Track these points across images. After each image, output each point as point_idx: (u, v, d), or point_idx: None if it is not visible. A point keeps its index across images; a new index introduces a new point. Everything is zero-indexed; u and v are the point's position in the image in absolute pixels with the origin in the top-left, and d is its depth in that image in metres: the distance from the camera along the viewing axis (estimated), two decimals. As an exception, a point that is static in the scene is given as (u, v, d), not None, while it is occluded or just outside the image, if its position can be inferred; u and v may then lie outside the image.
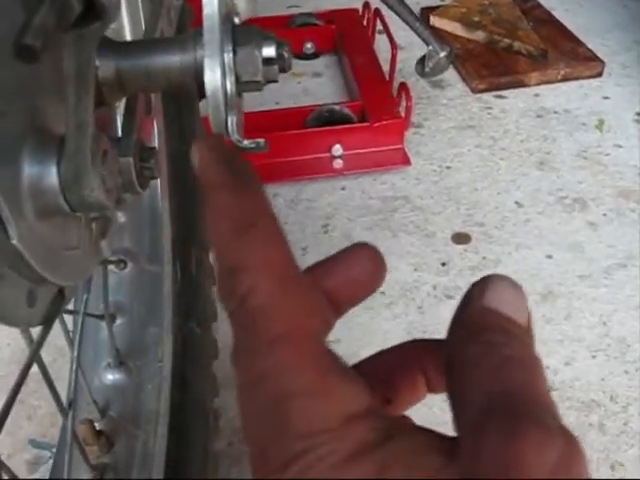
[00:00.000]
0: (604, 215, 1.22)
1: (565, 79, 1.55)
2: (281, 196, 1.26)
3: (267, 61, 0.40)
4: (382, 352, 0.31)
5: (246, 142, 0.39)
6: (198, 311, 0.82)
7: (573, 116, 1.45)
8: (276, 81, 0.41)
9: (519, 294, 0.26)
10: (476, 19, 1.68)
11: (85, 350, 0.66)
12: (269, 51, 0.39)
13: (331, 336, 0.87)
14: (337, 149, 1.28)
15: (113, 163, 0.38)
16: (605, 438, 0.89)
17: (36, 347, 0.41)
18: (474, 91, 1.51)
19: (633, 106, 1.48)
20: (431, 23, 1.70)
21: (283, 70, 0.41)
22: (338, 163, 1.29)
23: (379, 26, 1.53)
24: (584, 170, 1.31)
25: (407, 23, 1.25)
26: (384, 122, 1.29)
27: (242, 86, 0.40)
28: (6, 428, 0.91)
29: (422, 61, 1.28)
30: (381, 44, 1.56)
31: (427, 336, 0.97)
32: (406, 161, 1.30)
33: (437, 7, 1.77)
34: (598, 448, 0.88)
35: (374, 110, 1.31)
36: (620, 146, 1.37)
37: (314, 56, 1.63)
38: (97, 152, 0.34)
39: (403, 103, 1.32)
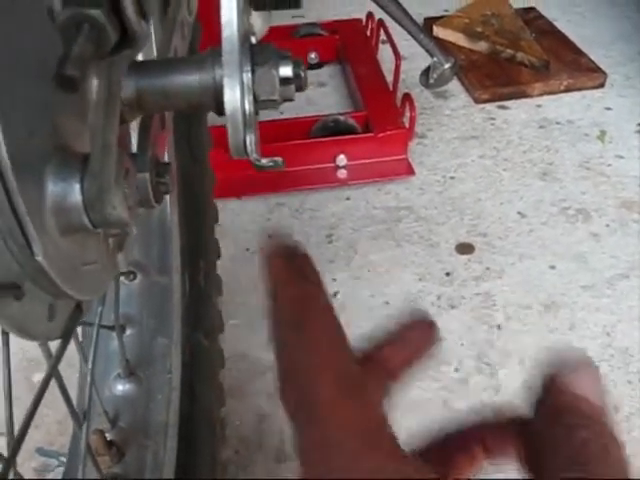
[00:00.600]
0: (607, 226, 1.23)
1: (568, 90, 1.56)
2: (286, 205, 1.27)
3: (284, 80, 0.40)
4: (442, 437, 0.32)
5: (264, 160, 0.40)
6: (206, 322, 0.82)
7: (575, 127, 1.46)
8: (292, 99, 0.42)
9: (595, 373, 0.27)
10: (479, 30, 1.69)
11: (96, 361, 0.67)
12: (286, 70, 0.40)
13: None
14: (341, 159, 1.29)
15: (133, 180, 0.38)
16: (609, 449, 0.90)
17: (55, 361, 0.42)
18: (477, 101, 1.52)
19: (635, 117, 1.49)
20: (434, 34, 1.71)
21: (299, 89, 0.42)
22: (342, 173, 1.30)
23: (382, 36, 1.55)
24: (587, 181, 1.32)
25: (411, 34, 1.26)
26: (388, 132, 1.30)
27: (259, 105, 0.41)
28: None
29: (426, 72, 1.29)
30: (384, 54, 1.58)
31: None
32: (410, 171, 1.31)
33: (440, 17, 1.78)
34: (602, 459, 0.89)
35: (378, 120, 1.32)
36: (622, 157, 1.38)
37: (318, 66, 1.64)
38: (120, 171, 0.34)
39: (407, 113, 1.33)
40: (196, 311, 0.80)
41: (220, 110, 0.40)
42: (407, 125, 1.32)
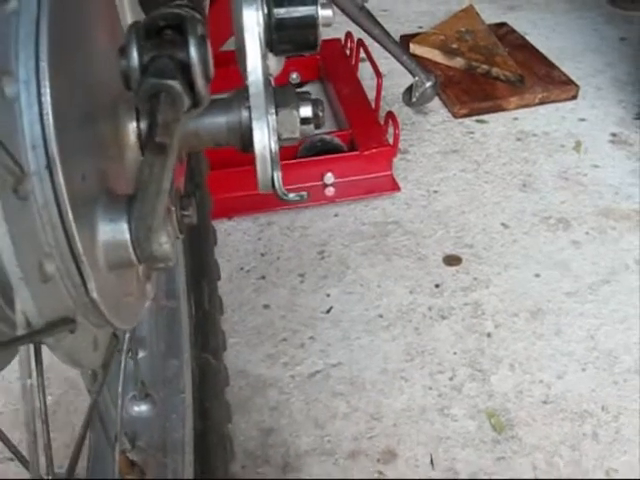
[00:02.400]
0: (586, 233, 1.28)
1: (542, 102, 1.61)
2: (276, 224, 1.30)
3: (304, 120, 0.44)
4: None
5: (291, 195, 0.43)
6: (212, 342, 0.85)
7: (552, 138, 1.52)
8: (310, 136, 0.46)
9: None
10: (454, 46, 1.74)
11: (112, 384, 0.69)
12: (306, 111, 0.44)
13: (333, 359, 0.92)
14: (329, 177, 1.33)
15: (172, 217, 0.42)
16: (599, 446, 0.94)
17: (99, 388, 0.45)
18: (456, 116, 1.57)
19: (608, 127, 1.55)
20: (411, 51, 1.75)
21: (317, 127, 0.45)
22: (330, 191, 1.34)
23: (361, 54, 1.59)
24: (565, 190, 1.37)
25: (394, 56, 1.30)
26: (373, 150, 1.34)
27: (281, 142, 0.44)
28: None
29: (409, 91, 1.34)
30: (363, 71, 1.62)
31: (425, 356, 1.02)
32: (395, 187, 1.35)
33: (416, 34, 1.83)
34: (593, 456, 0.93)
35: (363, 139, 1.36)
36: (597, 166, 1.44)
37: (299, 86, 1.67)
38: (166, 212, 0.38)
39: (390, 130, 1.37)
40: (203, 332, 0.83)
41: (245, 148, 0.44)
42: (391, 142, 1.36)
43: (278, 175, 0.42)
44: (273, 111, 0.43)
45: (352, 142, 1.37)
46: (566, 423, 0.97)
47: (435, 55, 1.73)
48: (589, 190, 1.38)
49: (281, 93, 0.44)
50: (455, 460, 0.93)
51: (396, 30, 1.87)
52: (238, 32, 0.43)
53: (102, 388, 0.45)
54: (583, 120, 1.58)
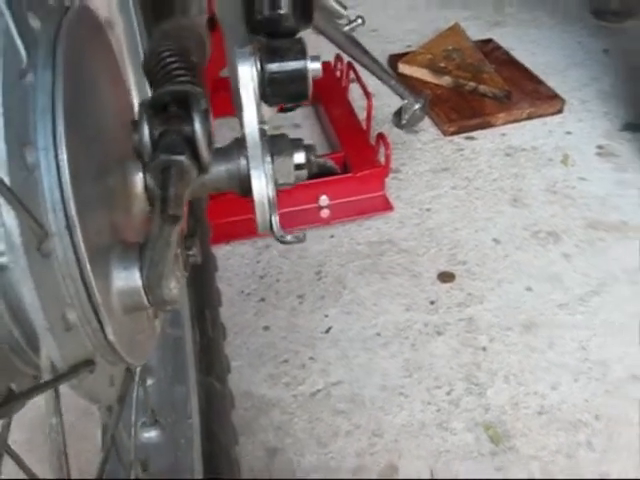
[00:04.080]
0: (576, 246, 1.31)
1: (529, 117, 1.65)
2: (274, 247, 1.34)
3: (298, 166, 0.48)
4: None
5: (289, 237, 0.47)
6: (217, 367, 0.88)
7: (540, 152, 1.56)
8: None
9: None
10: (442, 65, 1.78)
11: (124, 412, 0.72)
12: (300, 157, 0.47)
13: (333, 378, 0.96)
14: (324, 200, 1.36)
15: (180, 262, 0.45)
16: (593, 454, 0.97)
17: (116, 421, 0.48)
18: (445, 134, 1.61)
19: (594, 139, 1.59)
20: (400, 70, 1.80)
21: (310, 171, 0.49)
22: (325, 213, 1.37)
23: (350, 75, 1.63)
24: (554, 204, 1.41)
25: (383, 81, 1.34)
26: (366, 172, 1.37)
27: (277, 187, 0.48)
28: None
29: (399, 114, 1.38)
30: (353, 92, 1.66)
31: (423, 372, 1.05)
32: (388, 207, 1.39)
33: (404, 54, 1.87)
34: (587, 463, 0.96)
35: (356, 161, 1.40)
36: (585, 179, 1.48)
37: (291, 109, 1.71)
38: (174, 259, 0.41)
39: (381, 150, 1.41)
40: (207, 357, 0.86)
41: (244, 193, 0.47)
42: (383, 163, 1.39)
43: (275, 219, 0.46)
44: (269, 159, 0.46)
45: (345, 164, 1.41)
46: (561, 433, 1.00)
47: (423, 74, 1.78)
48: (577, 203, 1.41)
49: (276, 142, 0.47)
50: (455, 473, 0.96)
51: (385, 49, 1.93)
52: (234, 86, 0.47)
53: (119, 421, 0.49)
54: (570, 133, 1.62)
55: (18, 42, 0.36)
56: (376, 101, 1.63)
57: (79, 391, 0.42)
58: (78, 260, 0.37)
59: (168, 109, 0.37)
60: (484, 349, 1.13)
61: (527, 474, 0.96)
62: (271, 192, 0.45)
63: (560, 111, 1.68)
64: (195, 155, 0.37)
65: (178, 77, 0.38)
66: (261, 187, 0.45)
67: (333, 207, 1.38)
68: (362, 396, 1.07)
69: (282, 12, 0.46)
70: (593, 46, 1.95)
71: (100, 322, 0.40)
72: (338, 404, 1.05)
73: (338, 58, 1.71)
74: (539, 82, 1.74)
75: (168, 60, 0.39)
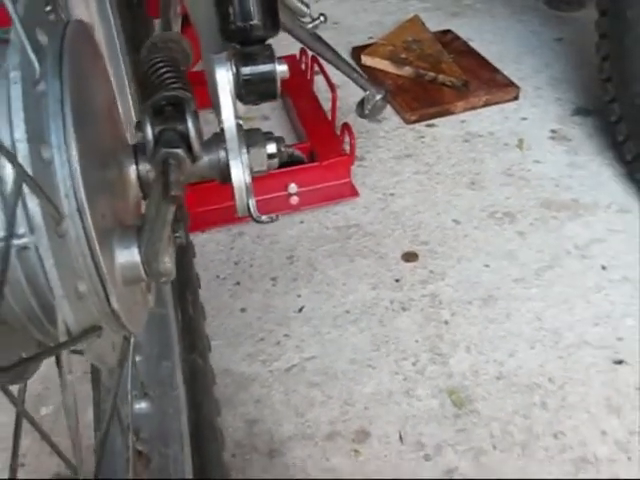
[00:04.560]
0: (531, 225, 1.40)
1: (486, 105, 1.74)
2: (247, 234, 1.41)
3: (270, 155, 0.55)
4: None
5: (264, 217, 0.54)
6: (199, 344, 0.96)
7: (496, 138, 1.64)
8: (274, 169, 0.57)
9: None
10: (403, 56, 1.86)
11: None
12: (272, 148, 0.55)
13: (307, 353, 1.04)
14: (292, 187, 1.44)
15: (172, 241, 0.52)
16: (547, 414, 1.06)
17: (117, 381, 0.55)
18: (407, 122, 1.69)
19: (547, 124, 1.68)
20: (363, 62, 1.87)
21: (281, 160, 0.56)
22: (294, 200, 1.44)
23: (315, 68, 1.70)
24: (510, 186, 1.50)
25: (345, 73, 1.42)
26: (332, 160, 1.45)
27: (253, 174, 0.55)
28: (30, 465, 1.07)
29: (361, 104, 1.45)
30: (318, 84, 1.73)
31: (390, 345, 1.13)
32: (354, 193, 1.47)
33: (366, 45, 1.95)
34: (542, 422, 1.05)
35: (322, 150, 1.47)
36: (539, 162, 1.57)
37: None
38: (169, 237, 0.48)
39: (346, 139, 1.49)
40: (190, 336, 0.94)
41: (224, 180, 0.55)
42: (348, 151, 1.47)
43: (252, 202, 0.53)
44: (245, 150, 0.53)
45: (312, 153, 1.48)
46: (517, 395, 1.09)
47: (385, 65, 1.85)
48: (532, 184, 1.50)
49: (251, 135, 0.54)
50: (422, 435, 1.04)
51: (348, 42, 2.00)
52: (212, 87, 0.54)
53: (120, 382, 0.56)
54: (525, 119, 1.71)
55: (32, 57, 0.43)
56: (341, 92, 1.70)
57: (89, 353, 0.48)
58: (88, 239, 0.44)
59: (164, 111, 0.44)
60: (446, 322, 1.21)
61: (488, 434, 1.04)
62: (248, 179, 0.53)
63: (516, 98, 1.77)
64: (189, 148, 0.44)
65: (171, 84, 0.45)
66: (239, 175, 0.52)
67: (302, 194, 1.45)
68: (334, 369, 1.15)
69: (253, 23, 0.53)
70: (546, 35, 2.04)
71: (106, 292, 0.47)
72: (312, 377, 1.13)
73: (303, 52, 1.78)
74: (495, 71, 1.83)
75: (161, 69, 0.46)
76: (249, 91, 0.54)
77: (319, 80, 1.69)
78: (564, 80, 1.83)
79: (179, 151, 0.42)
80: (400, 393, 1.10)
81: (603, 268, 1.31)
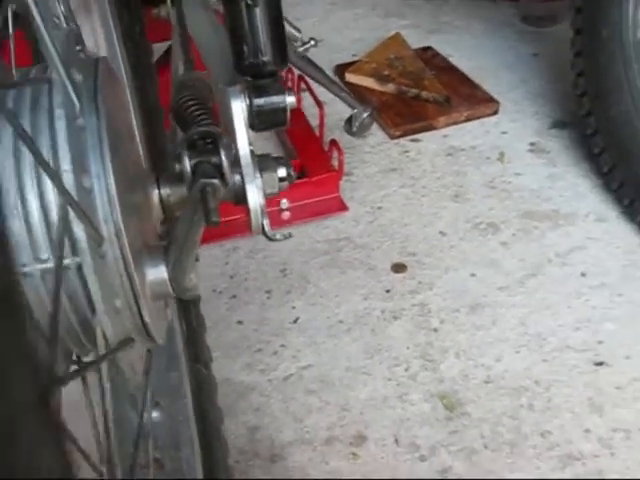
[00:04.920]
0: (513, 235, 1.46)
1: (468, 119, 1.80)
2: (241, 249, 1.46)
3: (281, 179, 0.60)
4: None
5: (278, 235, 0.59)
6: (202, 355, 1.00)
7: (478, 151, 1.70)
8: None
9: None
10: (386, 73, 1.92)
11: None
12: (282, 172, 0.60)
13: (303, 362, 1.10)
14: (284, 203, 1.49)
15: (193, 258, 0.57)
16: (534, 414, 1.12)
17: (146, 389, 0.59)
18: (392, 138, 1.75)
19: (526, 137, 1.75)
20: (347, 79, 1.93)
21: (291, 182, 0.61)
22: (286, 215, 1.50)
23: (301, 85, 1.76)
24: (492, 198, 1.56)
25: (333, 93, 1.47)
26: (321, 176, 1.50)
27: (265, 196, 0.60)
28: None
29: (349, 121, 1.51)
30: (305, 102, 1.78)
31: (383, 353, 1.18)
32: (343, 207, 1.52)
33: (350, 63, 2.01)
34: (530, 422, 1.11)
35: (311, 166, 1.52)
36: (519, 174, 1.63)
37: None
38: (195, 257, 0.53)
39: (334, 155, 1.54)
40: (194, 347, 0.98)
41: (238, 201, 0.60)
42: (336, 167, 1.52)
43: (266, 222, 0.58)
44: (259, 175, 0.58)
45: (302, 169, 1.53)
46: (505, 397, 1.15)
47: (369, 82, 1.91)
48: (513, 196, 1.57)
49: (263, 160, 0.59)
50: (416, 437, 1.10)
51: (331, 60, 2.05)
52: (226, 117, 0.59)
53: (147, 389, 0.60)
54: (505, 133, 1.77)
55: (73, 96, 0.48)
56: (328, 108, 1.75)
57: (123, 363, 0.53)
58: (124, 259, 0.49)
59: (198, 145, 0.49)
60: (436, 330, 1.27)
61: (478, 434, 1.10)
62: (262, 201, 0.58)
63: (495, 112, 1.83)
64: (222, 177, 0.49)
65: (202, 120, 0.50)
66: (254, 198, 0.57)
67: (293, 209, 1.50)
68: (330, 377, 1.20)
69: (264, 59, 0.58)
70: (522, 50, 2.11)
71: (139, 307, 0.52)
72: (309, 385, 1.18)
73: (289, 70, 1.83)
74: (475, 86, 1.90)
75: (192, 107, 0.51)
76: (261, 120, 0.59)
77: (305, 97, 1.74)
78: (540, 94, 1.90)
79: (215, 181, 0.47)
80: (394, 398, 1.15)
81: (583, 275, 1.37)
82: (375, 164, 1.67)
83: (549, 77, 1.96)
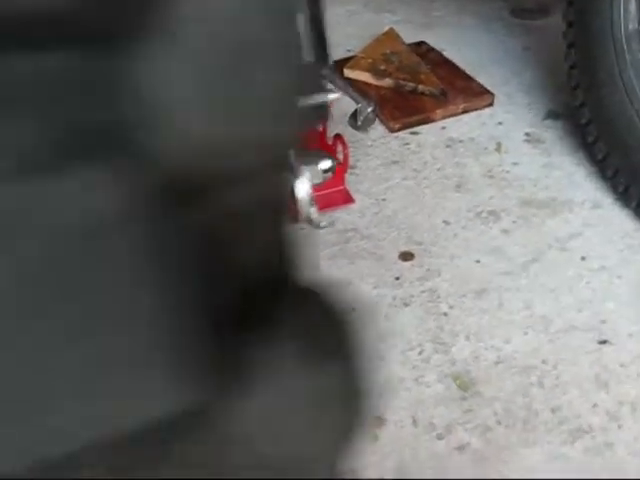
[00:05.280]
0: (514, 222, 1.52)
1: (465, 112, 1.86)
2: (252, 241, 1.50)
3: (325, 170, 0.65)
4: None
5: (322, 224, 0.64)
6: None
7: (476, 143, 1.76)
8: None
9: None
10: (382, 68, 1.97)
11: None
12: (326, 164, 0.65)
13: None
14: (293, 196, 1.53)
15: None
16: (544, 391, 1.18)
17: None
18: (392, 131, 1.80)
19: (522, 128, 1.80)
20: (346, 74, 1.98)
21: (333, 174, 0.66)
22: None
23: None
24: (492, 187, 1.62)
25: (340, 88, 1.52)
26: (328, 169, 1.55)
27: (312, 186, 0.65)
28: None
29: (354, 116, 1.56)
30: (305, 98, 1.83)
31: (396, 338, 1.23)
32: (349, 199, 1.57)
33: (347, 58, 2.05)
34: (540, 399, 1.16)
35: (318, 160, 1.57)
36: (517, 163, 1.69)
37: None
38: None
39: (339, 149, 1.59)
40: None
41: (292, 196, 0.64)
42: (342, 160, 1.57)
43: (314, 211, 0.63)
44: (305, 168, 0.63)
45: (308, 164, 1.58)
46: (516, 376, 1.20)
47: (367, 77, 1.96)
48: (512, 185, 1.62)
49: (309, 155, 0.64)
50: (433, 417, 1.15)
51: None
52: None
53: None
54: (500, 124, 1.83)
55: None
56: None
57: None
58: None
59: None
60: (445, 314, 1.32)
61: (492, 412, 1.15)
62: (310, 192, 0.62)
63: (491, 104, 1.89)
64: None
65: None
66: (303, 190, 0.62)
67: (302, 202, 1.54)
68: (346, 362, 1.24)
69: (307, 59, 0.63)
70: (513, 43, 2.17)
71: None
72: (327, 370, 1.23)
73: (289, 67, 1.87)
74: (470, 79, 1.95)
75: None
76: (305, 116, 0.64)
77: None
78: (533, 86, 1.96)
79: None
80: (410, 380, 1.21)
81: (582, 259, 1.43)
82: (377, 157, 1.72)
83: (540, 69, 2.02)
